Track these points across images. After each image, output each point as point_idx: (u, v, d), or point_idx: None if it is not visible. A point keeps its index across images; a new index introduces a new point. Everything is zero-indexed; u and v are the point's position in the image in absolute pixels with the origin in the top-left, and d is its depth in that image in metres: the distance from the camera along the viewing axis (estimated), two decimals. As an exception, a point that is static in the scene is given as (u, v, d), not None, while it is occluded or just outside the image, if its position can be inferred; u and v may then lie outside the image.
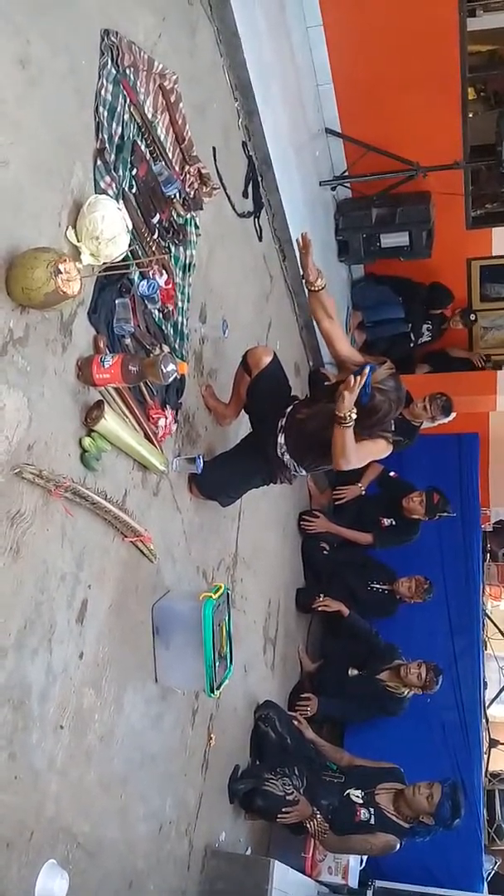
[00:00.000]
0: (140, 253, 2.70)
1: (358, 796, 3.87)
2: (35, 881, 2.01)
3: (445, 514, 5.28)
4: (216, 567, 3.59)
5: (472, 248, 7.07)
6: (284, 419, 3.23)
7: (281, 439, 3.21)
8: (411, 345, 7.16)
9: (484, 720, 5.62)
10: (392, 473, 5.46)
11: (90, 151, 2.39)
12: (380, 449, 3.09)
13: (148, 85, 2.81)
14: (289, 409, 3.25)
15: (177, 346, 3.08)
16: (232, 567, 3.82)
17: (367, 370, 2.85)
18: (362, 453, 3.01)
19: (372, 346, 6.90)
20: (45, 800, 2.10)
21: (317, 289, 3.11)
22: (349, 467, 3.01)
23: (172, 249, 3.05)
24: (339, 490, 5.52)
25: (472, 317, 7.30)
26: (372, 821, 3.78)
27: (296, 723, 4.27)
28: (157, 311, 2.90)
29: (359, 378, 2.83)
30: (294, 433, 3.20)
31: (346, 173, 6.16)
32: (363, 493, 5.48)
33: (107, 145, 2.45)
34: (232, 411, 3.57)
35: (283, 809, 3.67)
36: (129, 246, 2.38)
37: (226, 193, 3.85)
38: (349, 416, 2.85)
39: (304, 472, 3.37)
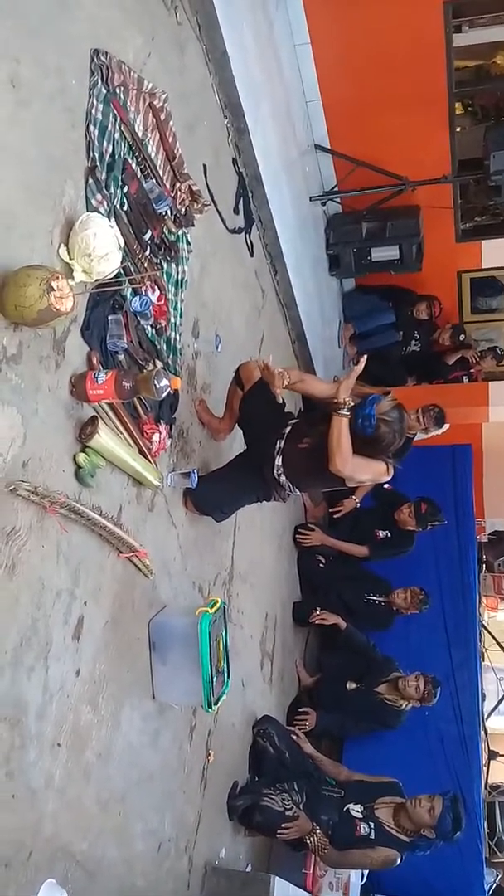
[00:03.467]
0: (132, 269, 2.71)
1: (357, 811, 3.84)
2: (34, 901, 2.00)
3: (437, 522, 5.28)
4: (212, 582, 3.58)
5: (462, 261, 7.13)
6: (283, 441, 3.20)
7: (278, 461, 3.19)
8: (402, 351, 7.18)
9: (483, 732, 5.60)
10: (386, 486, 5.45)
11: (81, 170, 2.41)
12: (377, 469, 3.08)
13: (138, 104, 2.83)
14: (287, 431, 3.22)
15: (170, 362, 3.09)
16: (228, 581, 3.81)
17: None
18: (359, 463, 2.99)
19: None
20: (43, 818, 2.09)
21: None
22: (345, 468, 2.95)
23: (164, 266, 3.07)
24: (336, 507, 5.53)
25: (462, 337, 7.30)
26: (372, 835, 3.75)
27: (294, 737, 4.25)
28: (149, 327, 2.91)
29: (361, 358, 2.97)
30: (293, 458, 3.18)
31: (336, 188, 6.21)
32: (358, 505, 5.49)
33: (98, 163, 2.47)
34: (226, 426, 3.58)
35: (283, 825, 3.65)
36: (122, 263, 2.40)
37: (217, 210, 3.88)
38: (346, 401, 2.88)
39: (299, 493, 3.36)
